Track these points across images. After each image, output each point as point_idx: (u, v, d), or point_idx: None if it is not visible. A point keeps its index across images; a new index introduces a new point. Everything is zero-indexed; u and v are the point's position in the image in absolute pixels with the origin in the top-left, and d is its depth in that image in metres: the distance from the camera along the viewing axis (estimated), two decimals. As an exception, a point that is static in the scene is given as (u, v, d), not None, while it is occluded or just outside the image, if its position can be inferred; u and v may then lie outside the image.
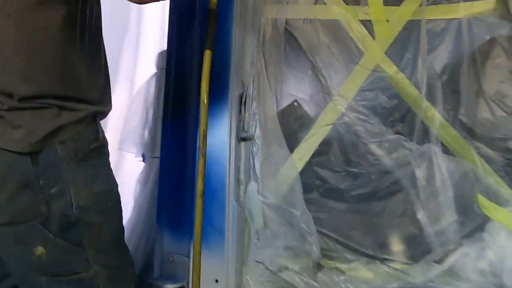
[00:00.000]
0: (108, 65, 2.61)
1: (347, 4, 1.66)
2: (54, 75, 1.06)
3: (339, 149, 1.59)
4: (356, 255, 1.53)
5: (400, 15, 1.64)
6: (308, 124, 1.62)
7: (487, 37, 1.60)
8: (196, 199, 1.30)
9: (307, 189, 1.57)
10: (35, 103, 1.05)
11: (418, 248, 1.52)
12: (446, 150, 1.56)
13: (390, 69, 1.60)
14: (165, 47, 1.72)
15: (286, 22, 1.65)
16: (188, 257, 1.40)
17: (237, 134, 1.47)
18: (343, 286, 1.46)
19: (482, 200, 1.48)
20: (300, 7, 1.66)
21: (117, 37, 2.62)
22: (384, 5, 1.65)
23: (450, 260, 1.45)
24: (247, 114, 1.52)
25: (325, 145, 1.60)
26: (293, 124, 1.63)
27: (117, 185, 1.25)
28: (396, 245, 1.54)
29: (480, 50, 1.59)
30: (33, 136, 1.05)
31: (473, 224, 1.48)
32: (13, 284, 1.18)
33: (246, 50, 1.55)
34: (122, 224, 1.26)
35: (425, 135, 1.57)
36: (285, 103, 1.65)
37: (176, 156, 1.52)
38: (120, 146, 2.57)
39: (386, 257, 1.53)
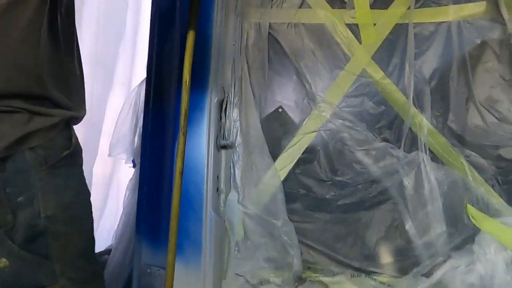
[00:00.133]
0: (105, 69, 2.58)
1: (332, 7, 1.61)
2: (22, 74, 1.01)
3: (324, 157, 1.54)
4: (341, 268, 1.47)
5: (388, 19, 1.58)
6: (292, 131, 1.57)
7: (478, 41, 1.54)
8: (172, 200, 1.23)
9: (290, 198, 1.52)
10: (3, 105, 1.00)
11: (406, 261, 1.45)
12: (435, 158, 1.50)
13: (377, 74, 1.55)
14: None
15: (270, 26, 1.61)
16: (165, 269, 1.34)
17: (216, 142, 1.42)
18: (325, 300, 1.40)
19: (472, 210, 1.41)
20: (284, 11, 1.61)
21: (113, 41, 2.60)
22: (371, 8, 1.60)
23: (439, 273, 1.38)
24: (227, 121, 1.47)
25: (310, 153, 1.54)
26: (277, 131, 1.57)
27: (89, 194, 1.21)
28: (383, 257, 1.47)
29: (471, 54, 1.54)
30: (1, 142, 1.00)
31: (463, 236, 1.42)
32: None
33: (227, 55, 1.50)
34: (93, 235, 1.21)
35: (413, 143, 1.51)
36: (269, 109, 1.60)
37: (154, 166, 1.47)
38: (110, 152, 2.54)
39: (373, 269, 1.47)
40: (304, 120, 1.56)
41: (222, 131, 1.46)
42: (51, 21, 1.07)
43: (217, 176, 1.43)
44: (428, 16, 1.57)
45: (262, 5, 1.62)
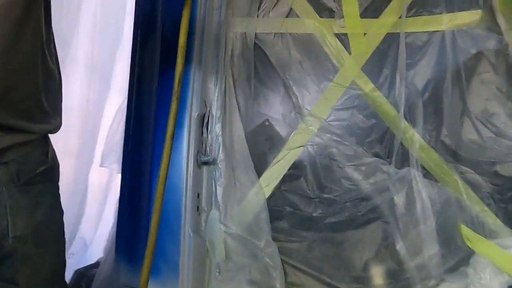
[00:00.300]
0: (101, 75, 2.53)
1: (321, 16, 1.53)
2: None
3: (311, 173, 1.45)
4: (328, 290, 1.38)
5: (378, 28, 1.50)
6: (279, 145, 1.49)
7: (473, 51, 1.45)
8: (154, 205, 1.16)
9: (276, 216, 1.44)
10: None
11: (397, 283, 1.37)
12: (428, 175, 1.41)
13: (367, 86, 1.47)
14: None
15: (256, 36, 1.53)
16: (143, 291, 1.27)
17: (196, 158, 1.34)
18: (310, 325, 1.32)
19: (466, 231, 1.32)
20: (270, 21, 1.54)
21: (110, 47, 2.55)
22: (361, 17, 1.52)
23: (431, 298, 1.29)
24: (209, 136, 1.39)
25: (296, 168, 1.46)
26: (263, 146, 1.50)
27: (62, 213, 1.14)
28: (373, 280, 1.39)
29: (466, 64, 1.45)
30: None
31: (457, 258, 1.33)
32: None
33: (209, 67, 1.43)
34: (64, 259, 1.15)
35: (405, 158, 1.43)
36: (255, 122, 1.52)
37: (134, 186, 1.39)
38: (102, 163, 2.49)
39: (362, 292, 1.38)
40: (292, 134, 1.48)
41: (203, 146, 1.39)
42: (21, 30, 1.00)
43: (198, 194, 1.35)
44: (421, 25, 1.49)
45: (248, 15, 1.54)
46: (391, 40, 1.50)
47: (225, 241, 1.34)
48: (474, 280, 1.26)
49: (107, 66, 2.60)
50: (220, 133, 1.39)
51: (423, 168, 1.41)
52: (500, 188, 1.37)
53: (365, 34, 1.51)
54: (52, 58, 1.10)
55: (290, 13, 1.55)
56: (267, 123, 1.52)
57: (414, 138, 1.40)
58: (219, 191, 1.36)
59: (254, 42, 1.53)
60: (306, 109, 1.47)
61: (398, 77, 1.43)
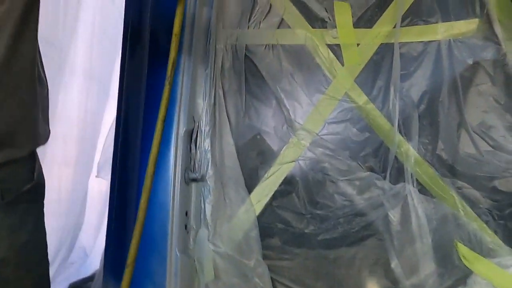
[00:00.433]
0: (99, 84, 2.49)
1: (313, 27, 1.48)
2: None
3: (304, 189, 1.40)
4: (321, 310, 1.33)
5: (372, 38, 1.45)
6: (271, 160, 1.43)
7: (470, 61, 1.39)
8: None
9: (267, 233, 1.38)
10: None
11: (392, 303, 1.30)
12: (424, 190, 1.35)
13: (360, 98, 1.41)
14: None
15: (246, 48, 1.48)
16: (129, 313, 1.22)
17: (184, 175, 1.29)
18: None
19: (463, 249, 1.26)
20: (261, 32, 1.49)
21: (108, 56, 2.53)
22: (355, 27, 1.46)
23: (427, 320, 1.23)
24: (198, 152, 1.34)
25: (288, 184, 1.41)
26: (254, 161, 1.44)
27: (45, 233, 1.10)
28: (367, 299, 1.33)
29: (462, 75, 1.39)
30: None
31: (454, 277, 1.27)
32: None
33: (198, 82, 1.38)
34: (48, 281, 1.10)
35: (400, 173, 1.37)
36: (246, 136, 1.46)
37: (122, 203, 1.35)
38: (98, 173, 2.45)
39: (355, 312, 1.32)
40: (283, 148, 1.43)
41: (192, 163, 1.34)
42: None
43: (186, 212, 1.30)
44: (416, 35, 1.43)
45: (238, 26, 1.49)
46: (385, 50, 1.44)
47: (214, 261, 1.29)
48: (472, 301, 1.20)
49: (106, 75, 2.58)
50: (209, 149, 1.34)
51: (419, 183, 1.34)
52: (499, 204, 1.31)
53: (358, 44, 1.45)
54: (41, 65, 1.06)
55: (281, 24, 1.49)
56: (258, 137, 1.47)
57: (409, 152, 1.34)
58: (208, 208, 1.31)
59: (245, 54, 1.47)
60: (298, 122, 1.42)
61: (392, 89, 1.37)
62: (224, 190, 1.36)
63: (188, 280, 1.26)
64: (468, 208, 1.29)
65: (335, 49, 1.46)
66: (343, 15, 1.46)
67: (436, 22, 1.42)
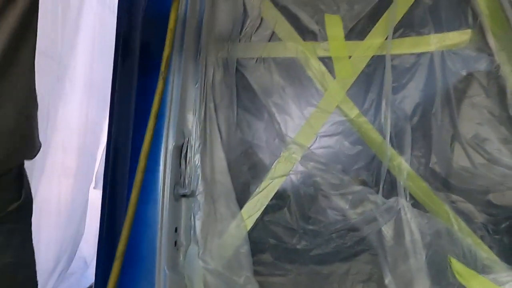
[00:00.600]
0: (99, 95, 2.48)
1: (304, 39, 1.45)
2: None
3: (295, 203, 1.37)
4: (314, 327, 1.29)
5: (364, 51, 1.42)
6: (263, 174, 1.40)
7: (463, 73, 1.35)
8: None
9: (259, 249, 1.35)
10: None
11: (385, 321, 1.26)
12: (417, 204, 1.31)
13: (352, 112, 1.38)
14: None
15: (238, 62, 1.45)
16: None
17: (174, 191, 1.26)
18: None
19: (457, 265, 1.21)
20: (252, 45, 1.46)
21: (108, 67, 2.51)
22: (346, 39, 1.43)
23: (421, 338, 1.19)
24: (188, 167, 1.31)
25: (279, 199, 1.37)
26: (246, 175, 1.41)
27: (33, 254, 1.06)
28: (360, 316, 1.29)
29: (456, 87, 1.35)
30: None
31: (449, 294, 1.22)
32: None
33: (188, 96, 1.36)
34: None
35: (393, 187, 1.33)
36: (238, 151, 1.44)
37: (112, 216, 1.32)
38: (96, 185, 2.44)
39: (348, 330, 1.28)
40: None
41: (182, 179, 1.31)
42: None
43: (176, 228, 1.27)
44: (408, 46, 1.40)
45: (229, 39, 1.47)
46: (377, 63, 1.41)
47: (204, 277, 1.25)
48: (467, 320, 1.15)
49: (105, 86, 2.56)
50: (199, 164, 1.31)
51: (412, 197, 1.31)
52: (494, 219, 1.27)
53: (350, 57, 1.42)
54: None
55: (272, 37, 1.47)
56: (250, 151, 1.44)
57: (402, 166, 1.30)
58: (198, 224, 1.28)
59: (236, 67, 1.45)
60: (289, 136, 1.39)
61: (384, 102, 1.34)
62: (214, 206, 1.33)
63: (178, 297, 1.23)
64: (462, 223, 1.25)
65: (327, 61, 1.43)
66: (334, 28, 1.43)
67: (429, 33, 1.39)
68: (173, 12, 1.25)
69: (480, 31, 1.35)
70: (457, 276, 1.21)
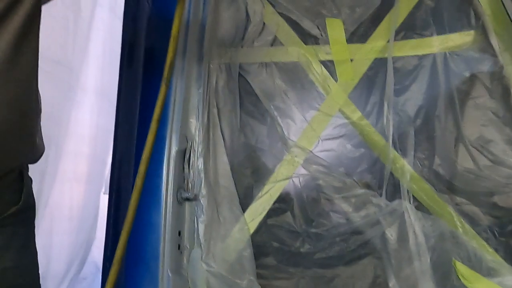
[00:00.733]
0: (110, 102, 2.51)
1: (306, 43, 1.45)
2: None
3: (299, 207, 1.36)
4: (317, 331, 1.28)
5: (366, 54, 1.41)
6: (266, 178, 1.40)
7: (467, 74, 1.34)
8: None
9: (262, 252, 1.34)
10: None
11: (390, 325, 1.24)
12: (421, 206, 1.29)
13: (354, 114, 1.37)
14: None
15: (240, 66, 1.46)
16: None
17: (177, 195, 1.27)
18: None
19: (462, 268, 1.19)
20: (255, 50, 1.47)
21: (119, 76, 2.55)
22: (348, 43, 1.43)
23: None
24: (191, 171, 1.32)
25: (282, 202, 1.37)
26: (249, 179, 1.41)
27: (35, 256, 1.04)
28: (364, 320, 1.27)
29: (459, 89, 1.34)
30: None
31: (454, 298, 1.20)
32: None
33: (190, 101, 1.36)
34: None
35: (396, 189, 1.32)
36: (241, 155, 1.44)
37: (117, 221, 1.33)
38: (105, 190, 2.46)
39: (352, 334, 1.27)
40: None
41: (185, 182, 1.31)
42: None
43: (179, 232, 1.28)
44: (411, 48, 1.39)
45: (232, 45, 1.47)
46: (379, 65, 1.40)
47: (207, 281, 1.25)
48: (472, 324, 1.13)
49: (116, 93, 2.59)
50: (202, 168, 1.32)
51: (416, 199, 1.29)
52: (499, 221, 1.24)
53: (352, 60, 1.42)
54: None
55: (274, 42, 1.47)
56: (253, 155, 1.44)
57: (405, 168, 1.29)
58: (201, 228, 1.28)
59: (239, 72, 1.45)
60: (291, 140, 1.38)
61: (386, 104, 1.33)
62: (218, 209, 1.33)
63: (181, 300, 1.23)
64: (467, 226, 1.23)
65: (329, 65, 1.43)
66: (336, 31, 1.43)
67: (431, 35, 1.38)
68: (176, 19, 1.24)
69: (483, 32, 1.33)
70: (462, 279, 1.19)
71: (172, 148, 1.28)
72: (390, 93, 1.32)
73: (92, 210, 2.65)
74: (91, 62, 2.44)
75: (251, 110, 1.46)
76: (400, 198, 1.29)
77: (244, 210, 1.36)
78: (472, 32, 1.34)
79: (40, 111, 1.00)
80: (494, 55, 1.31)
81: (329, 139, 1.39)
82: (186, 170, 1.32)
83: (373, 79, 1.39)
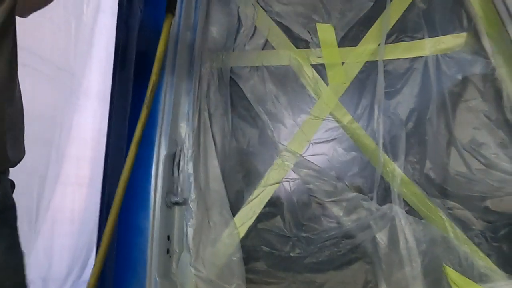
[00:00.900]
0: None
1: (297, 47, 1.44)
2: None
3: (289, 211, 1.34)
4: (307, 337, 1.26)
5: (357, 57, 1.39)
6: (257, 182, 1.39)
7: (459, 76, 1.31)
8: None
9: (252, 257, 1.33)
10: None
11: (380, 330, 1.22)
12: (412, 211, 1.27)
13: (345, 118, 1.35)
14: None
15: (232, 70, 1.45)
16: None
17: (165, 199, 1.26)
18: None
19: (453, 274, 1.16)
20: (246, 54, 1.46)
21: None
22: (339, 46, 1.41)
23: None
24: (181, 175, 1.31)
25: (273, 206, 1.35)
26: (240, 183, 1.40)
27: (20, 257, 1.03)
28: (355, 326, 1.25)
29: (451, 91, 1.31)
30: None
31: (445, 304, 1.17)
32: None
33: (181, 105, 1.36)
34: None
35: (387, 193, 1.29)
36: (232, 159, 1.43)
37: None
38: (106, 195, 2.45)
39: None
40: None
41: (175, 186, 1.31)
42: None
43: (168, 236, 1.27)
44: (402, 51, 1.37)
45: (224, 49, 1.47)
46: (370, 68, 1.38)
47: (196, 285, 1.24)
48: (463, 330, 1.10)
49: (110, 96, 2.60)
50: (192, 172, 1.31)
51: (407, 204, 1.27)
52: (492, 226, 1.21)
53: (343, 63, 1.40)
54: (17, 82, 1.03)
55: (266, 46, 1.46)
56: (244, 159, 1.43)
57: (395, 172, 1.27)
58: (190, 232, 1.27)
59: (230, 76, 1.45)
60: (282, 144, 1.37)
61: (376, 108, 1.31)
62: (208, 213, 1.32)
63: (169, 305, 1.22)
64: (458, 230, 1.20)
65: (320, 68, 1.41)
66: (327, 34, 1.41)
67: (423, 38, 1.36)
68: (162, 41, 1.22)
69: (475, 34, 1.31)
70: (452, 285, 1.16)
71: (161, 152, 1.27)
72: (381, 96, 1.30)
73: (94, 214, 2.64)
74: (93, 67, 2.45)
75: (243, 114, 1.46)
76: (391, 202, 1.26)
77: (234, 214, 1.35)
78: (464, 34, 1.32)
79: (22, 123, 1.00)
80: (486, 57, 1.29)
81: (320, 142, 1.37)
82: (175, 174, 1.31)
83: (364, 82, 1.38)
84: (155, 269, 1.19)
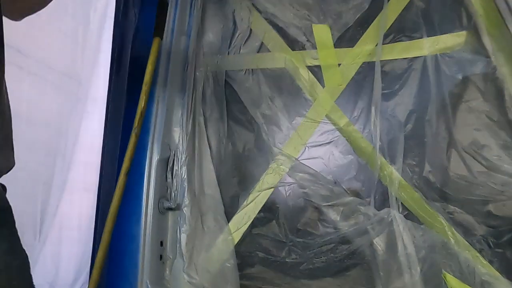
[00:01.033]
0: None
1: (293, 49, 1.41)
2: None
3: (284, 216, 1.31)
4: None
5: (353, 58, 1.35)
6: (252, 186, 1.36)
7: (459, 76, 1.26)
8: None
9: (248, 262, 1.30)
10: None
11: None
12: (411, 215, 1.22)
13: (341, 120, 1.31)
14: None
15: (227, 74, 1.43)
16: None
17: (158, 205, 1.24)
18: None
19: (453, 281, 1.11)
20: (242, 57, 1.44)
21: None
22: (336, 47, 1.38)
23: None
24: (174, 180, 1.29)
25: (268, 211, 1.32)
26: (235, 188, 1.37)
27: (22, 258, 1.03)
28: (352, 334, 1.20)
29: (451, 92, 1.26)
30: None
31: (445, 313, 1.12)
32: None
33: (174, 110, 1.34)
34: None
35: (385, 197, 1.25)
36: (228, 163, 1.40)
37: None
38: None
39: None
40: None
41: (168, 192, 1.29)
42: None
43: (161, 242, 1.24)
44: (400, 51, 1.33)
45: (219, 52, 1.45)
46: (367, 70, 1.34)
47: (189, 292, 1.22)
48: None
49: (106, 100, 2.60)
50: (186, 177, 1.28)
51: (405, 208, 1.22)
52: (495, 231, 1.15)
53: (339, 64, 1.37)
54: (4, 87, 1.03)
55: (261, 48, 1.44)
56: (240, 163, 1.40)
57: (393, 175, 1.22)
58: (183, 238, 1.24)
59: (225, 80, 1.42)
60: (277, 147, 1.34)
61: (373, 110, 1.27)
62: (202, 219, 1.29)
63: (161, 312, 1.20)
64: (459, 236, 1.15)
65: (316, 70, 1.38)
66: (323, 36, 1.38)
67: (421, 37, 1.31)
68: (149, 66, 1.23)
69: (475, 33, 1.26)
70: (452, 293, 1.11)
71: (153, 157, 1.26)
72: (378, 97, 1.26)
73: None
74: (101, 73, 2.46)
75: (238, 118, 1.43)
76: (390, 206, 1.22)
77: (229, 219, 1.32)
78: (464, 32, 1.27)
79: (11, 131, 0.99)
80: (487, 56, 1.23)
81: (316, 146, 1.33)
82: (169, 179, 1.29)
83: (361, 83, 1.34)
84: (146, 275, 1.17)
